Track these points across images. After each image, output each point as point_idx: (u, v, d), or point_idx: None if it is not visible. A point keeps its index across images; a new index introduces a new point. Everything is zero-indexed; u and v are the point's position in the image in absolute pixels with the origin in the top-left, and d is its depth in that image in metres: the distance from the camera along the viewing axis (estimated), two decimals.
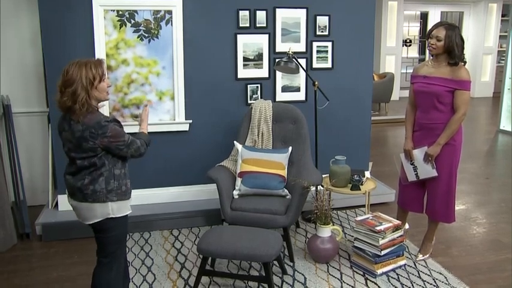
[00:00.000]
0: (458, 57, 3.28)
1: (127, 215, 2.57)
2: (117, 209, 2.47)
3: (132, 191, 2.66)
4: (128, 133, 2.50)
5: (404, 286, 3.24)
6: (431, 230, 3.66)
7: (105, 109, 3.97)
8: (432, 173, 3.46)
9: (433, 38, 3.31)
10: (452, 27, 3.30)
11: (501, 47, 12.07)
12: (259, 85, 4.55)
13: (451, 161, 3.43)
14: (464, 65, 3.34)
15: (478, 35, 12.09)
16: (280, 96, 4.62)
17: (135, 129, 2.73)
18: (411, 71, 3.46)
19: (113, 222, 2.48)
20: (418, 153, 3.49)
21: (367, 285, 3.26)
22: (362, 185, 3.91)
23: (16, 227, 3.99)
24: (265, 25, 4.45)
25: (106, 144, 2.36)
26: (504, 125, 8.32)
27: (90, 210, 2.44)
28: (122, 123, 2.59)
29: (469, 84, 3.31)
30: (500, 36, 12.08)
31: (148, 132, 2.63)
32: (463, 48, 3.30)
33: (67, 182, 2.50)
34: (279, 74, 4.56)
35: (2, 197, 3.77)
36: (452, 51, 3.26)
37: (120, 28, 4.12)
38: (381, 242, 3.29)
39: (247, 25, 4.41)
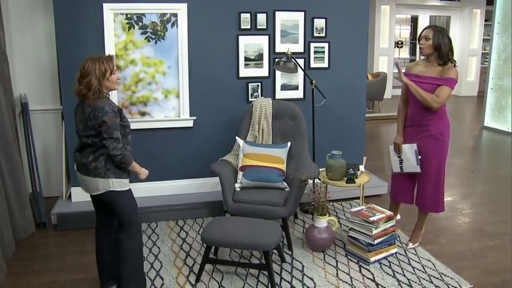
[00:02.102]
0: (446, 55, 3.25)
1: (128, 190, 2.73)
2: (117, 183, 2.64)
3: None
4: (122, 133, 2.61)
5: (395, 273, 3.21)
6: (421, 220, 3.64)
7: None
8: (416, 169, 3.47)
9: (423, 38, 3.30)
10: (439, 29, 3.30)
11: (484, 50, 12.03)
12: (259, 84, 4.49)
13: (439, 156, 3.41)
14: (454, 66, 3.30)
15: (464, 38, 12.07)
16: (280, 94, 4.56)
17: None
18: (403, 70, 3.42)
19: (115, 194, 2.66)
20: (407, 148, 3.48)
21: (361, 272, 3.23)
22: (357, 178, 3.88)
23: (34, 216, 3.97)
24: (265, 27, 4.40)
25: (101, 124, 2.51)
26: (488, 122, 8.30)
27: (93, 184, 2.64)
28: (129, 120, 2.62)
29: (453, 82, 3.25)
30: (483, 39, 12.04)
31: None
32: (450, 47, 3.26)
33: (75, 159, 2.71)
34: (278, 73, 4.51)
35: (21, 189, 3.76)
36: (440, 49, 3.24)
37: (128, 30, 4.07)
38: (374, 231, 3.26)
39: (248, 27, 4.35)
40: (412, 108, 3.47)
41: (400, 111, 3.60)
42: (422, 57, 3.44)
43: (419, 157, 3.43)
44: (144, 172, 2.77)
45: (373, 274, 3.19)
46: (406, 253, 3.50)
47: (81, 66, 2.57)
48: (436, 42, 3.23)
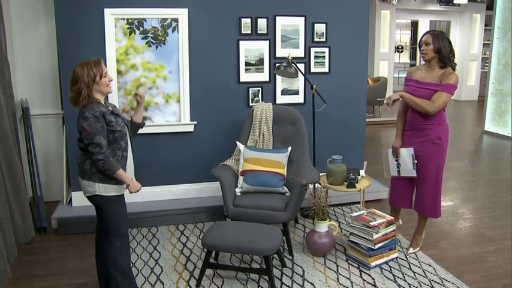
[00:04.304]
0: (447, 57, 3.28)
1: (118, 196, 2.67)
2: (103, 188, 2.61)
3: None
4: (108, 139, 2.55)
5: (396, 277, 3.21)
6: (421, 225, 3.64)
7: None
8: (412, 173, 3.50)
9: (423, 44, 3.34)
10: (438, 33, 3.34)
11: (485, 54, 12.06)
12: (260, 88, 4.50)
13: (438, 160, 3.43)
14: (454, 69, 3.32)
15: (464, 43, 12.10)
16: (280, 99, 4.57)
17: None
18: (403, 75, 3.46)
19: (102, 199, 2.63)
20: (404, 152, 3.51)
21: (361, 277, 3.22)
22: (357, 182, 3.88)
23: (34, 221, 3.97)
24: (265, 32, 4.41)
25: (80, 130, 2.51)
26: (488, 126, 8.30)
27: (83, 185, 2.66)
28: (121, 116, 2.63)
29: (452, 88, 3.27)
30: (483, 44, 12.07)
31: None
32: (451, 49, 3.30)
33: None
34: (279, 78, 4.51)
35: (21, 194, 3.76)
36: (441, 52, 3.27)
37: (129, 35, 4.09)
38: (375, 236, 3.27)
39: (249, 32, 4.37)
40: (411, 112, 3.49)
41: (400, 115, 3.62)
42: (423, 63, 3.46)
43: (416, 161, 3.45)
44: (134, 185, 2.64)
45: (373, 279, 3.19)
46: (406, 258, 3.50)
47: (71, 73, 2.55)
48: (437, 46, 3.26)
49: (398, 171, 3.58)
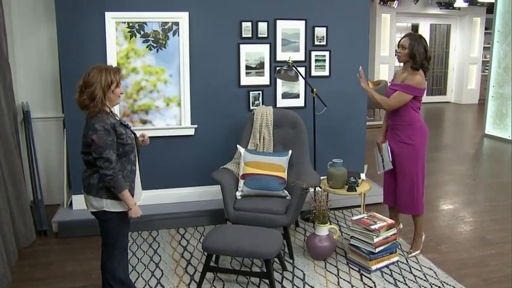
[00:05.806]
0: (420, 63, 3.39)
1: (124, 212, 2.54)
2: (111, 204, 2.51)
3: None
4: (117, 152, 2.46)
5: (397, 281, 3.20)
6: (416, 225, 3.66)
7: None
8: (390, 166, 3.61)
9: (400, 47, 3.45)
10: (415, 38, 3.42)
11: (485, 58, 12.05)
12: (260, 92, 4.51)
13: (412, 160, 3.50)
14: (425, 72, 3.42)
15: (464, 46, 12.10)
16: (281, 103, 4.58)
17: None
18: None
19: (109, 215, 2.53)
20: (384, 147, 3.63)
21: (362, 280, 3.22)
22: (358, 186, 3.88)
23: (35, 224, 3.97)
24: (266, 35, 4.42)
25: (90, 143, 2.41)
26: (489, 129, 8.30)
27: (87, 200, 2.56)
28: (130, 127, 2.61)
29: (409, 88, 3.37)
30: (484, 47, 12.07)
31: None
32: (425, 56, 3.38)
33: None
34: (279, 81, 4.52)
35: (22, 197, 3.76)
36: (414, 57, 3.38)
37: (130, 39, 4.10)
38: (376, 240, 3.26)
39: (250, 35, 4.38)
40: (388, 112, 3.61)
41: (386, 115, 3.74)
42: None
43: (390, 153, 3.58)
44: (135, 210, 2.51)
45: (374, 282, 3.19)
46: (407, 261, 3.50)
47: (86, 74, 2.42)
48: (410, 52, 3.37)
49: (383, 166, 3.67)
